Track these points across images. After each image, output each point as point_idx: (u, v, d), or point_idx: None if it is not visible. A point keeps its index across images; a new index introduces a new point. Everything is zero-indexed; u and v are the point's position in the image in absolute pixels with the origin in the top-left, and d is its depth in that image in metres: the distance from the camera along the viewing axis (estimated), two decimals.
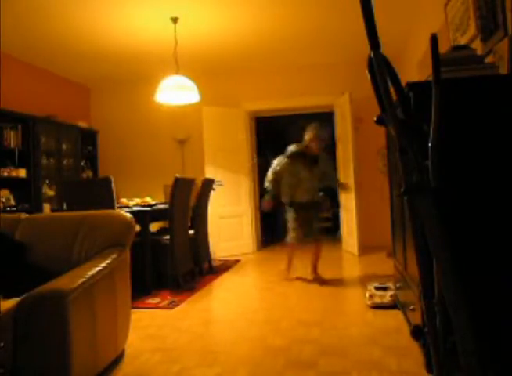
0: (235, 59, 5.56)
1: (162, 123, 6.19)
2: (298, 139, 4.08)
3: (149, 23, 4.24)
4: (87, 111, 6.45)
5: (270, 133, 7.98)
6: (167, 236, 3.89)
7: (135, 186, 5.96)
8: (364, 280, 3.74)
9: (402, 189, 0.97)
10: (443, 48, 1.86)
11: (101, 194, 3.52)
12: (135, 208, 3.86)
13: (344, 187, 4.30)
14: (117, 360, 2.18)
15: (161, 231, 4.52)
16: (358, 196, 5.30)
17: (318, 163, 3.93)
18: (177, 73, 4.31)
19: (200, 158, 5.82)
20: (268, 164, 4.40)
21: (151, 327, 2.78)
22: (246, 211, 5.97)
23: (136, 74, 5.92)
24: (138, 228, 3.34)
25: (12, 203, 4.61)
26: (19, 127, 4.74)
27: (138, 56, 5.22)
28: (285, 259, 4.17)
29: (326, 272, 4.14)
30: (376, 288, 3.11)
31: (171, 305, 3.28)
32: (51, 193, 5.15)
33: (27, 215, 2.54)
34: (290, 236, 3.97)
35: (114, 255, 2.08)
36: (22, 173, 4.71)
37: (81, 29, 4.31)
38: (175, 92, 4.25)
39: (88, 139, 6.02)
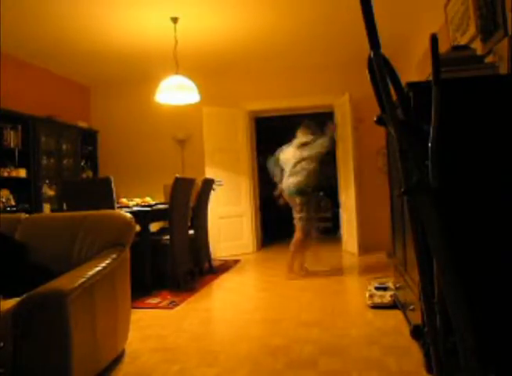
0: (235, 59, 5.56)
1: (162, 123, 6.19)
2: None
3: (149, 23, 4.24)
4: (87, 111, 6.45)
5: (270, 133, 7.97)
6: (167, 236, 3.89)
7: (135, 186, 5.96)
8: (364, 280, 3.74)
9: (402, 189, 0.97)
10: (443, 48, 1.86)
11: (101, 194, 3.52)
12: (135, 208, 3.86)
13: None
14: (117, 360, 2.18)
15: (161, 231, 4.52)
16: (359, 196, 5.30)
17: None
18: (177, 73, 4.31)
19: (200, 158, 5.82)
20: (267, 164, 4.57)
21: (151, 327, 2.78)
22: (246, 211, 5.97)
23: (136, 73, 5.92)
24: (138, 228, 3.34)
25: (12, 203, 4.61)
26: (19, 127, 4.73)
27: (138, 56, 5.21)
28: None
29: (326, 271, 4.15)
30: (376, 288, 3.11)
31: (171, 305, 3.28)
32: (51, 193, 5.15)
33: (27, 215, 2.54)
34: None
35: (114, 255, 2.08)
36: (22, 173, 4.70)
37: (80, 29, 4.30)
38: (175, 92, 4.25)
39: (88, 139, 6.02)
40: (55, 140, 5.28)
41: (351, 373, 1.96)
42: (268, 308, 3.20)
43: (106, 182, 3.55)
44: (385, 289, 3.08)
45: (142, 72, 5.85)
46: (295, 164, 4.13)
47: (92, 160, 6.12)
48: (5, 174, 4.53)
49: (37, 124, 4.92)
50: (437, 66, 1.06)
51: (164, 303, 3.35)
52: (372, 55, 0.96)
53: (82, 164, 5.86)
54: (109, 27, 4.31)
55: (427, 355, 1.85)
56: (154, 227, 4.54)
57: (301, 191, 4.08)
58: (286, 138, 4.41)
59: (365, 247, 5.25)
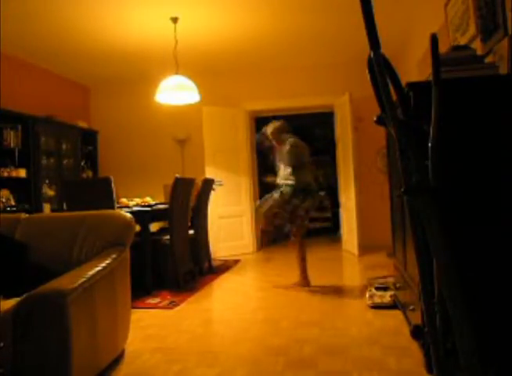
0: (235, 59, 5.56)
1: (162, 123, 6.19)
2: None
3: (149, 23, 4.24)
4: (87, 111, 6.45)
5: None
6: (167, 236, 3.89)
7: (135, 186, 5.96)
8: (364, 280, 3.74)
9: (402, 190, 0.97)
10: (443, 48, 1.86)
11: (101, 194, 3.52)
12: (135, 208, 3.86)
13: None
14: (117, 360, 2.18)
15: (161, 231, 4.52)
16: (358, 196, 5.30)
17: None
18: (177, 73, 4.32)
19: (200, 158, 5.82)
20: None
21: (151, 327, 2.78)
22: (246, 211, 5.97)
23: (136, 73, 5.92)
24: (138, 228, 3.34)
25: (12, 203, 4.61)
26: (19, 127, 4.74)
27: (138, 56, 5.21)
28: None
29: (326, 271, 4.14)
30: (376, 288, 3.11)
31: (171, 305, 3.28)
32: (51, 193, 5.15)
33: (27, 215, 2.54)
34: None
35: (114, 255, 2.08)
36: (22, 173, 4.71)
37: (80, 29, 4.31)
38: (175, 92, 4.26)
39: (88, 139, 6.02)
40: (55, 140, 5.29)
41: (351, 373, 1.96)
42: (268, 308, 3.19)
43: (106, 182, 3.55)
44: (385, 289, 3.08)
45: (142, 72, 5.85)
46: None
47: (92, 160, 6.12)
48: (5, 174, 4.53)
49: (37, 124, 4.92)
50: (437, 66, 1.06)
51: (164, 303, 3.36)
52: (372, 55, 0.96)
53: (82, 164, 5.86)
54: (110, 27, 4.31)
55: (427, 355, 1.85)
56: (154, 227, 4.55)
57: None
58: None
59: (365, 247, 5.25)
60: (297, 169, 3.77)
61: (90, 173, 6.03)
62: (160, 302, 3.38)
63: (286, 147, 3.81)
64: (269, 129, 4.02)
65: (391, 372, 1.94)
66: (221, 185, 5.55)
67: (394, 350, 2.19)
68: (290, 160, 3.78)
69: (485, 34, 2.39)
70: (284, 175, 3.83)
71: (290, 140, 3.85)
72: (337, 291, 3.57)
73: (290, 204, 3.71)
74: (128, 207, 3.96)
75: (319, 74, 5.90)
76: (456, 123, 1.72)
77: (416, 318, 2.06)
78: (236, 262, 5.22)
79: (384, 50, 0.97)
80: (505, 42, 2.12)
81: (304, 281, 3.74)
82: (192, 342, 2.47)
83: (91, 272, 1.83)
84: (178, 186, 3.82)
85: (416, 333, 1.68)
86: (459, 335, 0.90)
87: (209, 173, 5.56)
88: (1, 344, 1.55)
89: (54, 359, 1.61)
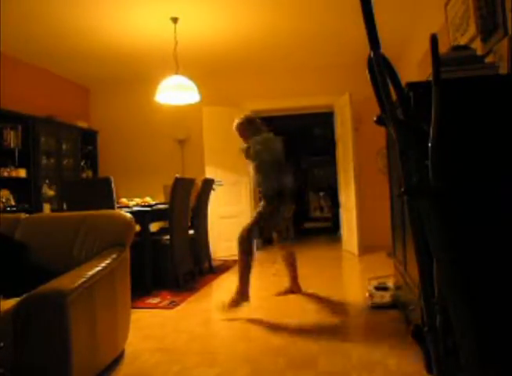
0: (235, 59, 5.56)
1: (162, 123, 6.19)
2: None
3: (149, 23, 4.24)
4: (87, 111, 6.45)
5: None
6: (167, 236, 3.89)
7: (135, 186, 5.96)
8: (364, 280, 3.74)
9: (402, 190, 0.97)
10: (443, 48, 1.86)
11: (101, 194, 3.52)
12: (135, 208, 3.86)
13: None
14: (117, 360, 2.18)
15: (161, 231, 4.53)
16: (359, 196, 5.30)
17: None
18: (177, 73, 4.32)
19: (200, 158, 5.82)
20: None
21: (151, 327, 2.78)
22: (246, 211, 5.97)
23: (136, 74, 5.92)
24: (138, 228, 3.34)
25: (12, 203, 4.61)
26: (19, 127, 4.74)
27: (138, 56, 5.22)
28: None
29: (326, 271, 4.14)
30: (376, 288, 3.11)
31: (171, 305, 3.28)
32: (51, 193, 5.15)
33: (27, 215, 2.54)
34: None
35: (114, 255, 2.08)
36: (22, 173, 4.71)
37: (80, 29, 4.31)
38: (175, 92, 4.26)
39: (88, 139, 6.03)
40: (55, 140, 5.29)
41: (351, 373, 1.96)
42: (268, 308, 3.19)
43: (106, 182, 3.55)
44: (385, 289, 3.08)
45: (142, 72, 5.85)
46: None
47: (92, 160, 6.12)
48: (5, 174, 4.53)
49: (37, 124, 4.92)
50: (437, 66, 1.06)
51: (164, 303, 3.35)
52: (372, 55, 0.96)
53: (82, 164, 5.86)
54: (109, 28, 4.31)
55: (427, 355, 1.85)
56: (154, 227, 4.54)
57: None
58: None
59: (365, 247, 5.25)
60: (268, 171, 3.35)
61: (90, 173, 6.03)
62: (160, 302, 3.38)
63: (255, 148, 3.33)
64: (234, 123, 3.51)
65: (391, 372, 1.94)
66: (221, 185, 5.55)
67: (394, 350, 2.19)
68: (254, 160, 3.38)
69: (485, 34, 2.40)
70: (256, 179, 3.51)
71: (255, 138, 3.36)
72: (337, 291, 3.57)
73: (278, 212, 3.38)
74: (128, 207, 3.96)
75: (320, 75, 5.90)
76: (456, 123, 1.72)
77: (416, 318, 2.06)
78: (236, 262, 5.21)
79: (383, 50, 0.97)
80: (505, 42, 2.12)
81: (296, 287, 3.62)
82: (192, 342, 2.47)
83: (91, 273, 1.83)
84: (178, 186, 3.82)
85: (416, 333, 1.68)
86: (460, 335, 0.90)
87: (209, 173, 5.56)
88: (1, 344, 1.55)
89: (54, 359, 1.61)
